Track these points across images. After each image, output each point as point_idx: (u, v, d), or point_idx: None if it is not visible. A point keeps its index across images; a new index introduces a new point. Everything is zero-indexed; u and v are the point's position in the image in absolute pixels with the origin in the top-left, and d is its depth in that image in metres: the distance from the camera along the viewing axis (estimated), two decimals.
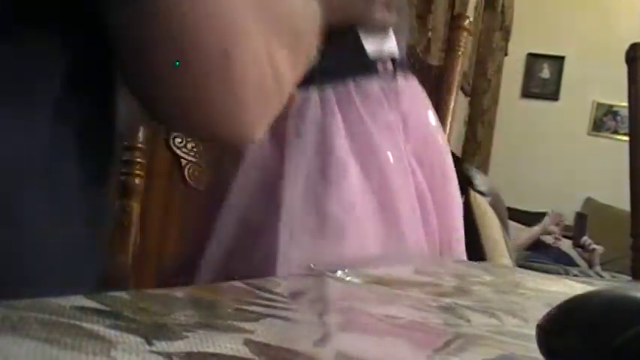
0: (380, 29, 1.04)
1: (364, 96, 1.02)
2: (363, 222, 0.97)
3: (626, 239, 1.47)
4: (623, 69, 1.45)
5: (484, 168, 5.04)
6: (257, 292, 0.51)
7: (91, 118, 0.49)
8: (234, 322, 0.40)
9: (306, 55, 0.51)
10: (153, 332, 0.34)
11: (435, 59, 2.97)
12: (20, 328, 0.31)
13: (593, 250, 4.32)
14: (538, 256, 4.09)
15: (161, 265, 1.04)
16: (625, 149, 1.47)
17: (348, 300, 0.58)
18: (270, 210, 0.96)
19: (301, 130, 0.98)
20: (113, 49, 0.46)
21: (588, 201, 5.37)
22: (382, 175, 1.00)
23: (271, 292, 0.51)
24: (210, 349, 0.33)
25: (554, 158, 5.48)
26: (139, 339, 0.32)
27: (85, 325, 0.33)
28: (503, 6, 4.98)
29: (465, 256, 1.12)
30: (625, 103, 1.48)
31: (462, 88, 4.23)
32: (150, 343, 0.32)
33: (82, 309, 0.36)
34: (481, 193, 3.32)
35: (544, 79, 5.72)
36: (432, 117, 1.14)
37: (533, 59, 5.72)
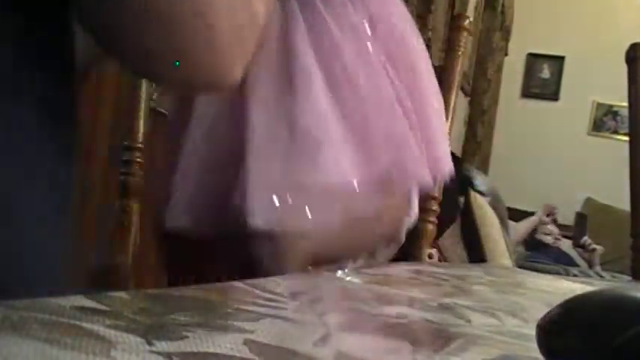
0: None
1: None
2: (336, 135, 0.94)
3: (626, 239, 1.47)
4: (623, 69, 1.44)
5: (484, 168, 5.04)
6: (257, 292, 0.51)
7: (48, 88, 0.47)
8: (234, 322, 0.40)
9: None
10: (153, 332, 0.34)
11: (435, 59, 2.97)
12: (20, 328, 0.31)
13: (593, 250, 4.32)
14: (538, 256, 4.09)
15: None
16: (625, 149, 1.47)
17: (348, 300, 0.58)
18: (238, 124, 0.93)
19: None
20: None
21: (588, 201, 5.37)
22: (347, 78, 0.96)
23: (271, 292, 0.51)
24: (210, 349, 0.33)
25: (554, 158, 5.48)
26: (139, 339, 0.32)
27: (85, 325, 0.33)
28: (503, 6, 4.98)
29: (451, 171, 1.06)
30: (625, 103, 1.48)
31: (462, 88, 4.23)
32: (150, 343, 0.32)
33: (82, 309, 0.36)
34: (481, 193, 3.32)
35: (544, 79, 5.73)
36: (405, 16, 1.10)
37: (533, 59, 5.72)
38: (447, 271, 0.88)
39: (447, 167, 1.07)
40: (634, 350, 0.33)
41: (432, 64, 1.30)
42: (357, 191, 0.93)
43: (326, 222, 0.93)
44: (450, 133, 1.25)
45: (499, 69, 5.25)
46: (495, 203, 3.47)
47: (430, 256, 1.23)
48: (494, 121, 5.39)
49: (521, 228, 4.37)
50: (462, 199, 3.16)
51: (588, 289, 0.43)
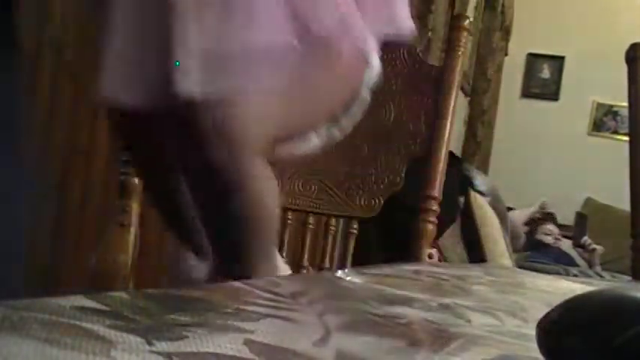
0: None
1: None
2: None
3: (626, 239, 1.47)
4: (623, 69, 1.44)
5: (484, 168, 5.04)
6: (257, 292, 0.51)
7: None
8: (234, 322, 0.40)
9: None
10: (153, 332, 0.34)
11: (435, 59, 2.97)
12: (20, 328, 0.31)
13: (594, 250, 4.32)
14: (538, 256, 4.09)
15: None
16: (625, 149, 1.47)
17: (348, 300, 0.58)
18: None
19: None
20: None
21: (588, 201, 5.37)
22: None
23: (271, 292, 0.51)
24: (210, 349, 0.33)
25: (554, 158, 5.48)
26: (139, 339, 0.32)
27: (85, 325, 0.33)
28: (503, 6, 4.98)
29: (412, 29, 1.01)
30: (625, 103, 1.48)
31: (462, 88, 4.23)
32: (150, 343, 0.32)
33: (82, 309, 0.36)
34: (481, 193, 3.32)
35: (544, 79, 5.73)
36: None
37: (533, 59, 5.72)
38: (447, 271, 0.88)
39: (407, 26, 1.02)
40: (634, 350, 0.33)
41: (432, 64, 1.30)
42: (299, 50, 0.86)
43: (268, 84, 0.86)
44: (450, 134, 1.25)
45: (499, 69, 5.25)
46: (495, 203, 3.47)
47: (430, 256, 1.23)
48: (494, 121, 5.39)
49: (520, 217, 4.41)
50: (462, 199, 3.16)
51: (588, 289, 0.43)
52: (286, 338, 0.40)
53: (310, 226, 1.28)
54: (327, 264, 1.29)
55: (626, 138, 1.50)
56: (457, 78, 1.26)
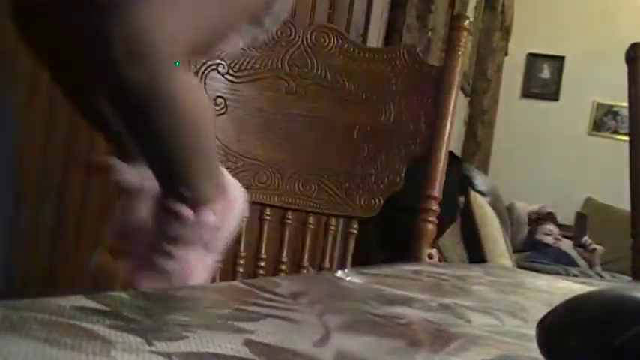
0: None
1: None
2: None
3: (626, 239, 1.47)
4: (623, 69, 1.44)
5: (484, 168, 5.04)
6: (257, 292, 0.51)
7: None
8: (234, 322, 0.40)
9: None
10: (153, 332, 0.34)
11: (435, 59, 2.97)
12: (20, 328, 0.31)
13: (594, 250, 4.32)
14: (538, 256, 4.09)
15: None
16: (625, 149, 1.47)
17: (348, 300, 0.58)
18: None
19: None
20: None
21: (588, 201, 5.37)
22: None
23: (271, 292, 0.51)
24: (210, 349, 0.33)
25: (554, 158, 5.48)
26: (139, 339, 0.32)
27: (85, 325, 0.33)
28: (503, 6, 4.98)
29: None
30: (625, 103, 1.48)
31: (462, 88, 4.23)
32: (150, 343, 0.32)
33: (82, 309, 0.36)
34: (481, 193, 3.32)
35: (544, 79, 5.73)
36: None
37: (533, 59, 5.72)
38: (447, 271, 0.88)
39: None
40: (634, 350, 0.33)
41: (432, 64, 1.30)
42: None
43: None
44: (450, 134, 1.25)
45: (499, 69, 5.25)
46: (495, 203, 3.47)
47: (430, 256, 1.23)
48: (494, 121, 5.39)
49: (524, 207, 4.45)
50: (462, 199, 3.16)
51: (588, 289, 0.43)
52: (286, 338, 0.40)
53: (310, 226, 1.28)
54: (327, 264, 1.29)
55: (626, 138, 1.50)
56: (457, 78, 1.26)
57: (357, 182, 1.25)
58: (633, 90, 1.42)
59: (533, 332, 0.37)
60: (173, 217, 0.86)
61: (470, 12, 4.11)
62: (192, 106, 0.82)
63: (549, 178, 5.42)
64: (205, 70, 1.23)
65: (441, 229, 2.17)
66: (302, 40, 1.27)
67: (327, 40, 1.27)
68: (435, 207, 1.24)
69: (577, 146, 5.50)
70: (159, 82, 0.76)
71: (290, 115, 1.26)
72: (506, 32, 5.23)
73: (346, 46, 1.27)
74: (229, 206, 0.91)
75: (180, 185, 0.84)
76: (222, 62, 1.24)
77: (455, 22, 1.29)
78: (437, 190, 1.24)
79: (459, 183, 3.06)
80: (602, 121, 5.60)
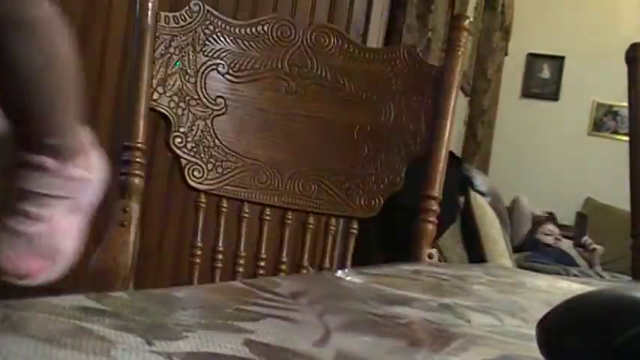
0: None
1: None
2: None
3: (626, 239, 1.47)
4: (623, 69, 1.44)
5: (484, 168, 5.04)
6: (257, 292, 0.51)
7: None
8: (234, 322, 0.40)
9: None
10: (153, 332, 0.34)
11: (435, 59, 2.97)
12: (20, 328, 0.31)
13: (594, 250, 4.32)
14: (538, 256, 4.09)
15: None
16: (625, 149, 1.47)
17: (348, 300, 0.58)
18: None
19: None
20: None
21: (588, 201, 5.37)
22: None
23: (271, 292, 0.51)
24: (210, 349, 0.33)
25: (554, 158, 5.48)
26: (139, 339, 0.32)
27: (85, 325, 0.33)
28: (503, 6, 4.98)
29: None
30: (625, 103, 1.48)
31: (462, 88, 4.23)
32: (150, 343, 0.32)
33: (82, 309, 0.36)
34: (481, 193, 3.32)
35: (544, 79, 5.73)
36: None
37: (533, 59, 5.72)
38: (447, 271, 0.87)
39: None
40: (634, 350, 0.33)
41: (432, 64, 1.30)
42: None
43: None
44: (450, 134, 1.25)
45: (499, 69, 5.25)
46: (495, 203, 3.47)
47: (430, 256, 1.23)
48: (494, 121, 5.39)
49: (528, 203, 4.48)
50: (462, 199, 3.16)
51: (588, 289, 0.43)
52: (286, 338, 0.40)
53: (310, 226, 1.28)
54: (327, 264, 1.29)
55: (626, 138, 1.50)
56: (457, 78, 1.26)
57: (357, 182, 1.25)
58: (633, 90, 1.42)
59: (533, 332, 0.37)
60: (35, 169, 0.78)
61: (470, 12, 4.11)
62: (48, 36, 0.75)
63: (549, 178, 5.42)
64: (205, 70, 1.23)
65: (441, 229, 2.17)
66: (302, 40, 1.27)
67: (327, 40, 1.27)
68: (435, 207, 1.24)
69: (577, 146, 5.50)
70: (20, 6, 0.70)
71: (290, 115, 1.26)
72: (506, 32, 5.23)
73: (346, 46, 1.27)
74: (92, 164, 0.85)
75: (43, 132, 0.76)
76: (222, 62, 1.24)
77: (455, 22, 1.29)
78: (437, 190, 1.24)
79: (459, 183, 3.06)
80: (602, 121, 5.60)
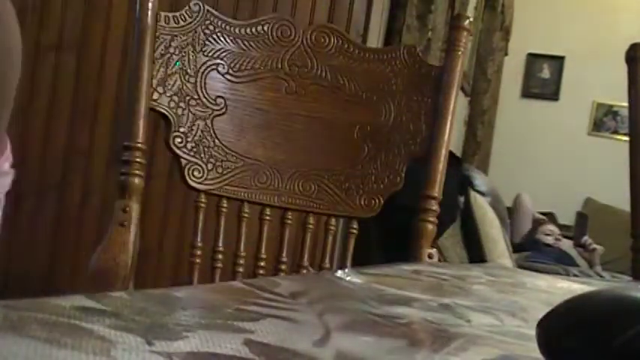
0: None
1: None
2: None
3: (626, 239, 1.47)
4: (623, 69, 1.44)
5: (484, 168, 5.04)
6: (257, 292, 0.51)
7: None
8: (234, 322, 0.40)
9: None
10: (153, 332, 0.34)
11: (435, 59, 2.97)
12: (20, 328, 0.31)
13: (594, 250, 4.32)
14: (538, 256, 4.09)
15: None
16: (625, 149, 1.47)
17: (348, 300, 0.58)
18: None
19: None
20: None
21: (588, 201, 5.37)
22: None
23: (271, 292, 0.51)
24: (210, 349, 0.33)
25: (554, 158, 5.48)
26: (139, 339, 0.32)
27: (85, 325, 0.33)
28: (503, 6, 4.98)
29: None
30: (625, 103, 1.48)
31: (462, 88, 4.23)
32: (150, 343, 0.32)
33: (82, 309, 0.36)
34: (481, 193, 3.32)
35: (544, 79, 5.73)
36: None
37: (533, 59, 5.72)
38: (447, 271, 0.87)
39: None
40: (634, 350, 0.33)
41: (432, 64, 1.30)
42: None
43: None
44: (450, 134, 1.25)
45: (499, 69, 5.25)
46: (495, 203, 3.47)
47: (430, 256, 1.23)
48: (495, 121, 5.39)
49: (530, 200, 4.49)
50: (462, 199, 3.16)
51: (588, 289, 0.43)
52: (286, 338, 0.39)
53: (310, 226, 1.28)
54: (327, 264, 1.29)
55: (626, 138, 1.50)
56: (457, 78, 1.26)
57: (357, 182, 1.25)
58: (633, 90, 1.42)
59: (533, 332, 0.37)
60: None
61: (470, 12, 4.11)
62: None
63: (549, 178, 5.42)
64: (205, 70, 1.23)
65: (441, 229, 2.17)
66: (302, 40, 1.27)
67: (327, 40, 1.27)
68: (435, 207, 1.24)
69: (577, 146, 5.50)
70: None
71: (290, 115, 1.26)
72: (506, 32, 5.23)
73: (346, 46, 1.27)
74: (7, 155, 0.84)
75: None
76: (222, 62, 1.24)
77: (455, 22, 1.29)
78: (437, 190, 1.24)
79: (459, 183, 3.06)
80: (602, 121, 5.60)
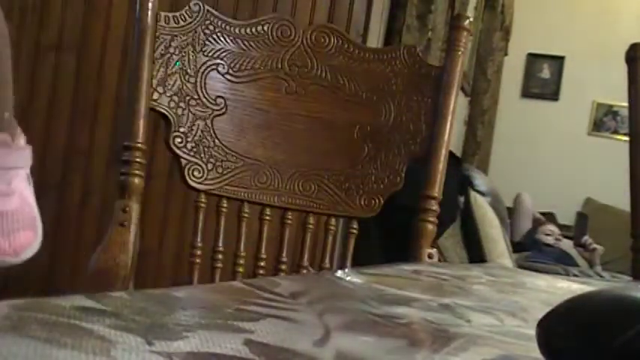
0: None
1: None
2: None
3: (626, 239, 1.47)
4: (623, 69, 1.44)
5: (484, 168, 5.04)
6: (257, 292, 0.51)
7: None
8: (234, 322, 0.40)
9: None
10: (153, 332, 0.34)
11: (435, 59, 2.97)
12: (20, 328, 0.31)
13: (594, 249, 4.32)
14: (538, 256, 4.09)
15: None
16: (625, 149, 1.47)
17: (348, 300, 0.58)
18: None
19: None
20: None
21: (588, 201, 5.37)
22: None
23: (271, 292, 0.51)
24: (210, 349, 0.33)
25: (554, 158, 5.48)
26: (139, 339, 0.32)
27: (85, 325, 0.33)
28: (503, 6, 4.98)
29: None
30: (625, 103, 1.48)
31: (462, 88, 4.22)
32: (150, 343, 0.32)
33: (82, 309, 0.36)
34: (481, 193, 3.32)
35: (544, 79, 5.73)
36: None
37: (533, 59, 5.72)
38: (447, 271, 0.87)
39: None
40: (634, 350, 0.33)
41: (432, 64, 1.30)
42: None
43: None
44: (450, 134, 1.25)
45: (499, 69, 5.25)
46: (495, 203, 3.47)
47: (430, 256, 1.23)
48: (495, 121, 5.39)
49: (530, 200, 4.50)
50: (461, 199, 3.16)
51: (588, 289, 0.43)
52: (286, 338, 0.39)
53: (310, 226, 1.28)
54: (327, 264, 1.29)
55: (626, 138, 1.50)
56: (457, 78, 1.26)
57: (357, 182, 1.25)
58: (633, 90, 1.42)
59: (533, 332, 0.37)
60: None
61: (470, 12, 4.11)
62: None
63: (549, 178, 5.42)
64: (205, 70, 1.23)
65: (441, 229, 2.17)
66: (302, 40, 1.27)
67: (327, 40, 1.27)
68: (435, 207, 1.24)
69: (577, 146, 5.50)
70: None
71: (290, 115, 1.26)
72: (506, 32, 5.23)
73: (346, 46, 1.27)
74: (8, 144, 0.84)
75: None
76: (222, 62, 1.24)
77: (455, 22, 1.29)
78: (437, 190, 1.24)
79: (459, 183, 3.06)
80: (602, 121, 5.60)
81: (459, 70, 1.26)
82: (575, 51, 5.52)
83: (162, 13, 1.19)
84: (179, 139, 1.20)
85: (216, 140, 1.22)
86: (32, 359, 0.28)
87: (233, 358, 0.32)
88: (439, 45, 3.13)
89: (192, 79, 1.22)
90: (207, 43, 1.23)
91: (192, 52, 1.22)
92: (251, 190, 1.24)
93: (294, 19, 1.31)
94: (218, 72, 1.24)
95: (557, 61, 5.66)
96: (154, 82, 1.18)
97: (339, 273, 0.68)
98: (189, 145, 1.21)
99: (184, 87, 1.21)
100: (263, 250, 1.25)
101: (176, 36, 1.21)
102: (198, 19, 1.22)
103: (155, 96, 1.18)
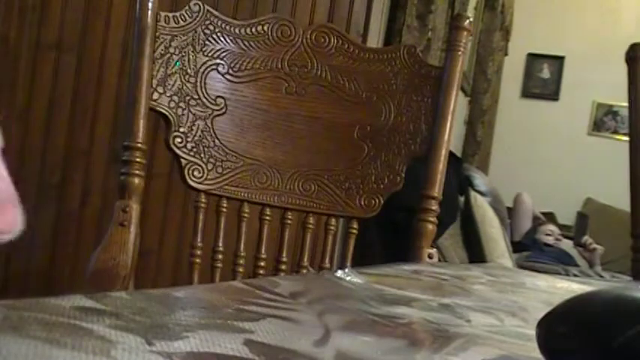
0: None
1: None
2: None
3: (626, 239, 1.47)
4: (623, 69, 1.44)
5: (484, 168, 5.04)
6: (257, 292, 0.51)
7: None
8: (234, 322, 0.40)
9: None
10: (153, 332, 0.34)
11: (435, 59, 2.97)
12: (20, 328, 0.31)
13: (594, 249, 4.32)
14: (538, 256, 4.09)
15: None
16: (625, 149, 1.47)
17: (348, 300, 0.58)
18: None
19: None
20: None
21: (588, 201, 5.37)
22: None
23: (271, 292, 0.51)
24: (210, 349, 0.33)
25: (554, 158, 5.48)
26: (139, 339, 0.32)
27: (85, 325, 0.33)
28: (503, 6, 4.98)
29: None
30: (625, 103, 1.48)
31: (462, 88, 4.22)
32: (150, 343, 0.32)
33: (82, 309, 0.36)
34: (481, 193, 3.32)
35: (544, 79, 5.73)
36: None
37: (533, 59, 5.72)
38: (447, 271, 0.87)
39: None
40: (634, 350, 0.33)
41: (432, 64, 1.30)
42: None
43: None
44: (450, 134, 1.25)
45: (499, 69, 5.25)
46: (495, 203, 3.47)
47: (430, 256, 1.23)
48: (495, 121, 5.39)
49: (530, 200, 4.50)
50: (462, 199, 3.16)
51: (588, 289, 0.43)
52: (286, 338, 0.39)
53: (310, 226, 1.28)
54: (327, 264, 1.29)
55: (626, 138, 1.50)
56: (457, 78, 1.26)
57: (357, 182, 1.25)
58: (633, 90, 1.42)
59: (533, 332, 0.37)
60: None
61: (470, 12, 4.11)
62: None
63: (549, 178, 5.42)
64: (205, 70, 1.23)
65: (441, 229, 2.17)
66: (302, 40, 1.27)
67: (327, 40, 1.27)
68: (435, 207, 1.24)
69: (577, 146, 5.50)
70: None
71: (290, 115, 1.26)
72: (506, 32, 5.23)
73: (346, 46, 1.27)
74: None
75: None
76: (222, 62, 1.24)
77: (455, 22, 1.29)
78: (437, 190, 1.24)
79: (459, 183, 3.06)
80: (602, 121, 5.60)
81: (459, 70, 1.26)
82: (575, 51, 5.52)
83: (162, 13, 1.19)
84: (179, 139, 1.20)
85: (216, 140, 1.22)
86: (32, 359, 0.28)
87: (233, 358, 0.32)
88: (439, 45, 3.13)
89: (192, 79, 1.22)
90: (207, 43, 1.23)
91: (192, 52, 1.22)
92: (251, 190, 1.24)
93: (294, 19, 1.31)
94: (218, 72, 1.24)
95: (557, 61, 5.66)
96: (154, 82, 1.18)
97: (339, 273, 0.68)
98: (189, 145, 1.21)
99: (184, 87, 1.21)
100: (263, 250, 1.25)
101: (176, 36, 1.21)
102: (198, 19, 1.22)
103: (155, 96, 1.18)
